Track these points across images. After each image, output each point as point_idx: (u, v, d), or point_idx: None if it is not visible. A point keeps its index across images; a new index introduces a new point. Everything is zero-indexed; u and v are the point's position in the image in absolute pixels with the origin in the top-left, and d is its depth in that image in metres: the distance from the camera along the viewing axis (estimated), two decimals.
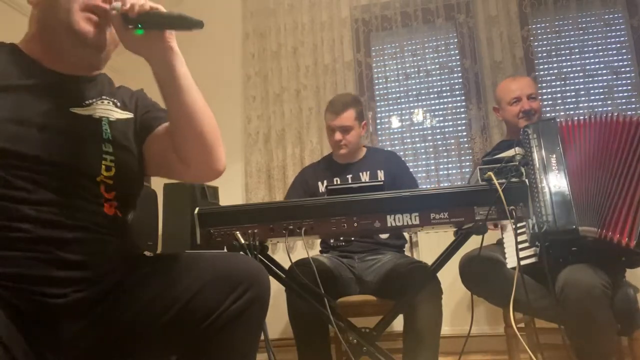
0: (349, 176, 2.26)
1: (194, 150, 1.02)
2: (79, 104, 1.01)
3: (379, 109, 3.09)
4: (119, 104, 1.09)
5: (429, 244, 2.51)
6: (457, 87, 2.98)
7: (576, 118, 1.77)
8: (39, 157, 0.91)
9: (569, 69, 2.83)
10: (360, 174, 2.25)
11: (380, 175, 2.22)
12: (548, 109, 2.83)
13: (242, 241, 1.40)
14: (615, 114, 1.71)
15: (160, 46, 0.95)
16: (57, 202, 0.91)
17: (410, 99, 3.01)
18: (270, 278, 1.39)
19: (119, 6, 0.93)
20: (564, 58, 2.84)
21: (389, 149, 2.89)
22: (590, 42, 2.83)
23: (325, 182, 2.26)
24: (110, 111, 1.05)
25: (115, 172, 1.00)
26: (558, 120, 1.75)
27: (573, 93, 2.82)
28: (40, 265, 0.88)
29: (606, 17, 2.82)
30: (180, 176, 1.11)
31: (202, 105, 1.01)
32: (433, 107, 3.01)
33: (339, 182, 2.23)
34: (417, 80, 3.02)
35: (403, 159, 2.44)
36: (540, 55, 2.90)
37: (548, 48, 2.88)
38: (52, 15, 0.97)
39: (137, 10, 0.92)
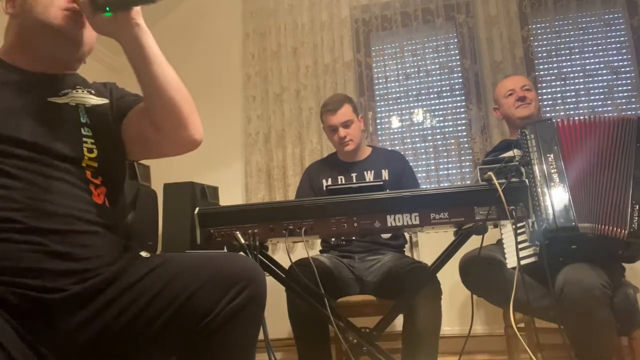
0: (354, 175, 2.27)
1: (169, 119, 1.05)
2: (55, 94, 1.06)
3: (379, 109, 3.09)
4: (93, 92, 1.14)
5: (429, 244, 2.51)
6: (457, 87, 2.98)
7: (571, 118, 1.79)
8: (25, 142, 0.94)
9: (569, 69, 2.83)
10: (365, 172, 2.25)
11: (385, 174, 2.23)
12: (548, 108, 2.84)
13: (242, 241, 1.40)
14: (610, 114, 1.73)
15: (128, 24, 0.99)
16: (47, 190, 0.94)
17: (410, 99, 3.01)
18: (271, 278, 1.40)
19: None
20: (564, 58, 2.84)
21: (390, 149, 2.89)
22: (590, 42, 2.83)
23: (329, 179, 2.27)
24: (86, 98, 1.10)
25: (97, 153, 1.04)
26: (555, 120, 1.77)
27: (573, 93, 2.82)
28: (32, 257, 0.89)
29: (606, 17, 2.82)
30: (158, 149, 1.14)
31: (173, 77, 1.04)
32: (433, 107, 3.01)
33: (343, 180, 2.25)
34: (417, 80, 3.02)
35: None
36: (540, 55, 2.90)
37: (548, 48, 2.88)
38: (32, 17, 1.02)
39: None
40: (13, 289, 0.87)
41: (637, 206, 1.58)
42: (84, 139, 1.03)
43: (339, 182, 2.26)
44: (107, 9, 0.97)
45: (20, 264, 0.88)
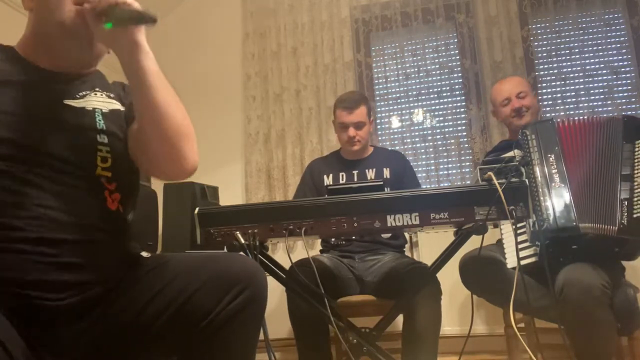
0: (355, 172, 2.27)
1: (159, 149, 1.00)
2: (72, 97, 1.02)
3: (379, 109, 3.08)
4: (112, 95, 1.10)
5: (429, 244, 2.51)
6: (457, 87, 2.98)
7: (571, 118, 1.80)
8: (37, 148, 0.92)
9: (569, 69, 2.83)
10: (367, 171, 2.26)
11: (387, 173, 2.23)
12: (548, 109, 2.84)
13: (242, 241, 1.40)
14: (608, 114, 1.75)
15: (126, 40, 0.95)
16: (59, 198, 0.91)
17: (410, 99, 3.01)
18: (271, 278, 1.40)
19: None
20: (564, 58, 2.84)
21: (390, 148, 2.89)
22: (590, 42, 2.83)
23: (331, 175, 2.28)
24: (103, 103, 1.06)
25: (111, 163, 1.00)
26: (555, 120, 1.77)
27: (573, 93, 2.82)
28: (39, 268, 0.87)
29: (606, 17, 2.82)
30: (150, 174, 1.10)
31: (170, 104, 0.98)
32: (433, 107, 3.01)
33: (344, 178, 2.26)
34: (417, 80, 3.02)
35: None
36: (540, 55, 2.89)
37: (548, 48, 2.88)
38: (46, 14, 0.99)
39: (103, 4, 0.93)
40: (19, 299, 0.86)
41: (626, 202, 1.61)
42: (99, 147, 1.00)
43: (341, 180, 2.26)
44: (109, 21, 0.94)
45: (29, 276, 0.86)
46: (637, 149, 1.67)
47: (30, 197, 0.89)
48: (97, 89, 1.07)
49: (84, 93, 1.04)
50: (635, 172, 1.64)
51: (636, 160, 1.66)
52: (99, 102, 1.06)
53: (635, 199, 1.61)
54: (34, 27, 1.03)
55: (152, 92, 0.96)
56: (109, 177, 1.00)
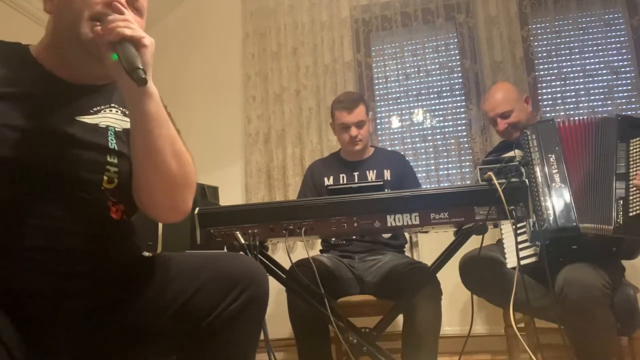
0: (356, 173, 2.27)
1: (148, 193, 0.97)
2: (86, 112, 0.98)
3: (379, 109, 3.08)
4: (127, 112, 1.05)
5: (429, 244, 2.51)
6: (457, 87, 2.98)
7: (572, 118, 1.80)
8: (45, 163, 0.90)
9: (569, 69, 2.83)
10: (367, 172, 2.26)
11: (387, 174, 2.23)
12: (548, 109, 2.84)
13: (242, 241, 1.40)
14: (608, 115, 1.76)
15: (127, 79, 0.87)
16: (61, 210, 0.90)
17: (410, 99, 3.01)
18: (271, 278, 1.40)
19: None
20: (564, 58, 2.84)
21: (390, 149, 2.90)
22: (590, 42, 2.83)
23: (331, 177, 2.28)
24: (118, 120, 1.02)
25: (117, 183, 0.97)
26: (556, 121, 1.78)
27: (573, 93, 2.82)
28: (41, 276, 0.87)
29: (606, 17, 2.82)
30: (141, 209, 1.04)
31: (166, 152, 0.93)
32: (433, 107, 3.01)
33: (345, 179, 2.26)
34: (417, 80, 3.02)
35: None
36: (540, 55, 2.89)
37: (548, 48, 2.88)
38: (64, 23, 0.95)
39: (114, 35, 0.87)
40: (21, 304, 0.86)
41: (621, 201, 1.62)
42: (108, 167, 0.96)
43: (341, 181, 2.26)
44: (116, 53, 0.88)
45: (32, 283, 0.86)
46: (631, 148, 1.67)
47: (34, 207, 0.88)
48: (113, 104, 1.03)
49: (98, 108, 1.00)
50: (631, 171, 1.65)
51: (631, 159, 1.66)
52: (114, 119, 1.01)
53: (631, 197, 1.61)
54: (52, 34, 0.98)
55: (149, 138, 0.92)
56: (113, 193, 0.97)
